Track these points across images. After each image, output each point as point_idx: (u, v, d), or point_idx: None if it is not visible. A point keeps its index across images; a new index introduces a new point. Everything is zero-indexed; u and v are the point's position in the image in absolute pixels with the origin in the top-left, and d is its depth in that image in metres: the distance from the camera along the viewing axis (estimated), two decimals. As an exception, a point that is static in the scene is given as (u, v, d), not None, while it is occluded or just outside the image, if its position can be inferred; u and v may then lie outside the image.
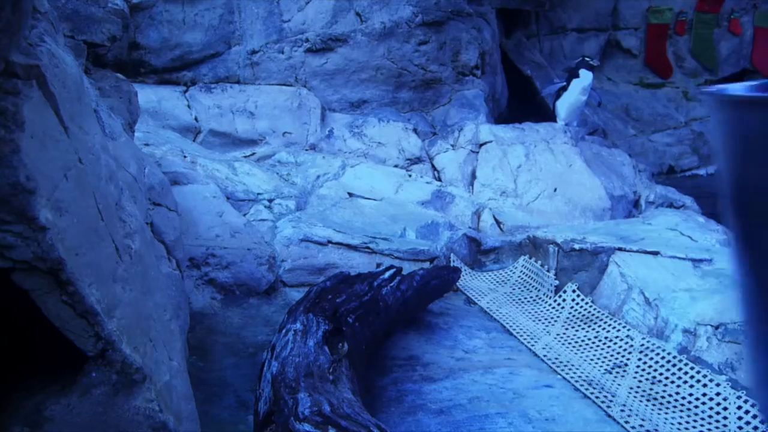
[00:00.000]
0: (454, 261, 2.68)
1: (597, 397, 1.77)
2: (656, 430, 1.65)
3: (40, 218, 0.71)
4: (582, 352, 2.06)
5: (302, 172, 3.31)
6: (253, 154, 3.69)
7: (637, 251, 2.40)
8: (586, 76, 4.10)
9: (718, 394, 1.76)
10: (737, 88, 0.78)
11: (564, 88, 4.18)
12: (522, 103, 4.99)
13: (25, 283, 0.74)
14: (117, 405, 0.84)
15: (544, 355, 2.02)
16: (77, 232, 0.79)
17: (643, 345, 2.05)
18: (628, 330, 2.14)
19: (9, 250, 0.71)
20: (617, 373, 1.93)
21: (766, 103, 0.67)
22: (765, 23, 6.54)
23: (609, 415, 1.71)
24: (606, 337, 2.14)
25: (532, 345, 2.09)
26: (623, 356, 2.02)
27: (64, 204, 0.77)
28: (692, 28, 6.28)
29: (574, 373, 1.91)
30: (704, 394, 1.78)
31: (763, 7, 6.59)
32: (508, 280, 2.61)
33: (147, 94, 3.49)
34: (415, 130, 4.05)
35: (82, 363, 0.83)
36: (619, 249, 2.43)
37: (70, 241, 0.76)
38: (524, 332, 2.19)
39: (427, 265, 2.54)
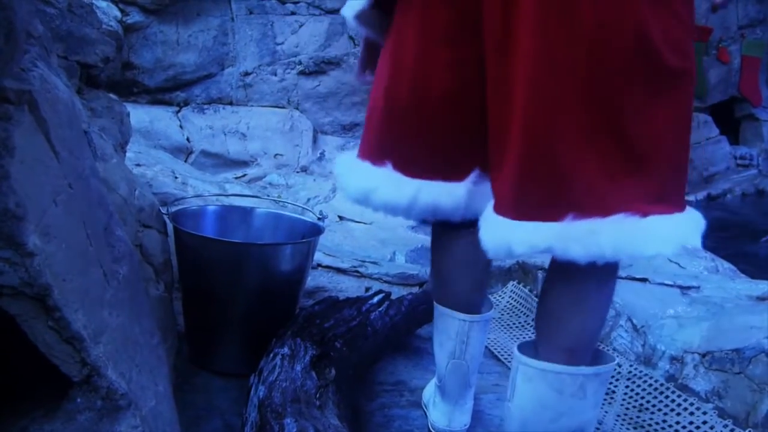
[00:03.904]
0: (443, 285, 2.69)
1: (584, 425, 1.77)
2: (643, 458, 1.65)
3: (28, 244, 0.71)
4: (570, 379, 2.06)
5: (293, 194, 3.32)
6: (245, 175, 3.70)
7: (625, 278, 2.41)
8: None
9: (705, 422, 1.76)
10: None
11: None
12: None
13: (11, 308, 0.74)
14: (101, 431, 0.84)
15: (532, 382, 2.02)
16: (65, 257, 0.79)
17: (630, 372, 2.05)
18: (616, 357, 2.15)
19: (-4, 276, 0.71)
20: (604, 400, 1.93)
21: None
22: (752, 52, 6.63)
23: (596, 443, 1.71)
24: (594, 364, 2.14)
25: (520, 371, 2.09)
26: (611, 383, 2.02)
27: (53, 230, 0.77)
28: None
29: (562, 399, 1.91)
30: (691, 422, 1.78)
31: (751, 36, 6.68)
32: (497, 305, 2.62)
33: (139, 114, 3.50)
34: (406, 154, 4.07)
35: (67, 388, 0.83)
36: (608, 275, 2.43)
37: (58, 267, 0.77)
38: (511, 357, 2.19)
39: (416, 289, 2.55)
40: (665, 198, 1.12)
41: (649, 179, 1.10)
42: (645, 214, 1.08)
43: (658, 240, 1.08)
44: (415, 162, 1.30)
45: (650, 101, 1.08)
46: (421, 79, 1.23)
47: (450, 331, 1.51)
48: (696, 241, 1.14)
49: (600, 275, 1.16)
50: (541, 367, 1.18)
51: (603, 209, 1.07)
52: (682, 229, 1.13)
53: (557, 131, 1.07)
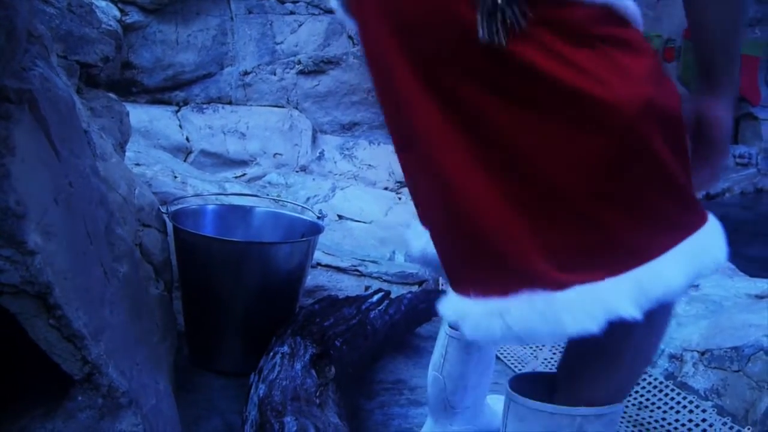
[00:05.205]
0: (442, 285, 2.69)
1: (583, 423, 1.77)
2: (642, 456, 1.65)
3: (29, 242, 0.72)
4: (569, 377, 2.06)
5: (292, 194, 3.32)
6: (244, 174, 3.70)
7: (624, 276, 2.41)
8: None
9: (704, 420, 1.77)
10: None
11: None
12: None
13: (12, 306, 0.74)
14: (102, 429, 0.84)
15: (532, 380, 2.02)
16: (66, 256, 0.80)
17: (629, 370, 2.05)
18: (615, 355, 2.15)
19: (-3, 274, 0.71)
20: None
21: None
22: (751, 51, 6.63)
23: (595, 441, 1.71)
24: (593, 362, 2.14)
25: (520, 369, 2.10)
26: (610, 381, 2.02)
27: (54, 228, 0.77)
28: (681, 55, 6.35)
29: (561, 398, 1.91)
30: (690, 420, 1.78)
31: (749, 36, 6.68)
32: (497, 303, 2.62)
33: (139, 114, 3.49)
34: (405, 153, 4.07)
35: (68, 387, 0.83)
36: (607, 274, 2.43)
37: (58, 265, 0.77)
38: (512, 357, 2.19)
39: (415, 288, 2.55)
40: (585, 260, 0.92)
41: (558, 241, 0.92)
42: (562, 286, 0.90)
43: (579, 315, 0.89)
44: None
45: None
46: None
47: (439, 340, 1.51)
48: (626, 309, 0.89)
49: (628, 331, 0.95)
50: (534, 407, 1.05)
51: (504, 287, 0.92)
52: (608, 297, 0.90)
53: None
